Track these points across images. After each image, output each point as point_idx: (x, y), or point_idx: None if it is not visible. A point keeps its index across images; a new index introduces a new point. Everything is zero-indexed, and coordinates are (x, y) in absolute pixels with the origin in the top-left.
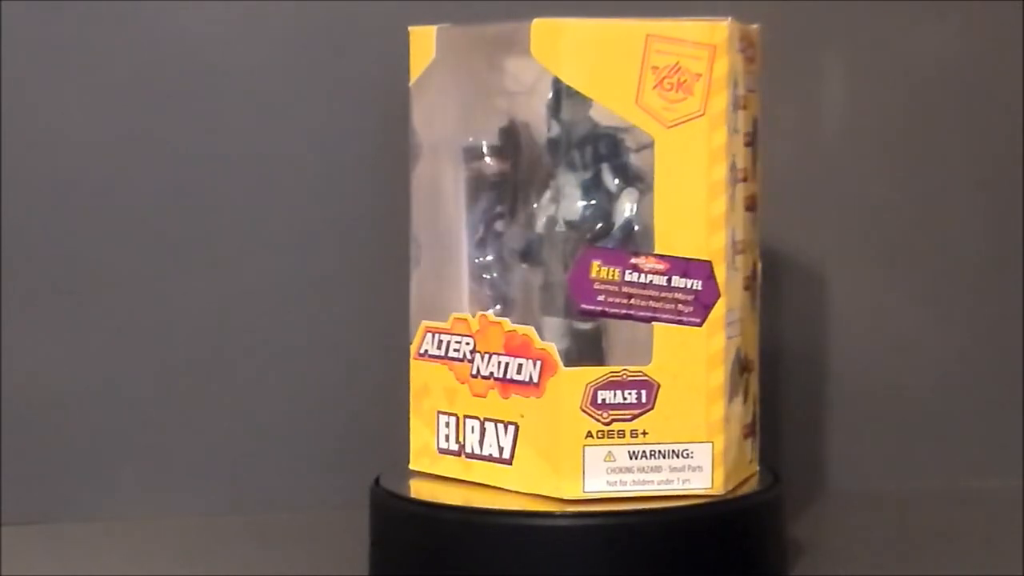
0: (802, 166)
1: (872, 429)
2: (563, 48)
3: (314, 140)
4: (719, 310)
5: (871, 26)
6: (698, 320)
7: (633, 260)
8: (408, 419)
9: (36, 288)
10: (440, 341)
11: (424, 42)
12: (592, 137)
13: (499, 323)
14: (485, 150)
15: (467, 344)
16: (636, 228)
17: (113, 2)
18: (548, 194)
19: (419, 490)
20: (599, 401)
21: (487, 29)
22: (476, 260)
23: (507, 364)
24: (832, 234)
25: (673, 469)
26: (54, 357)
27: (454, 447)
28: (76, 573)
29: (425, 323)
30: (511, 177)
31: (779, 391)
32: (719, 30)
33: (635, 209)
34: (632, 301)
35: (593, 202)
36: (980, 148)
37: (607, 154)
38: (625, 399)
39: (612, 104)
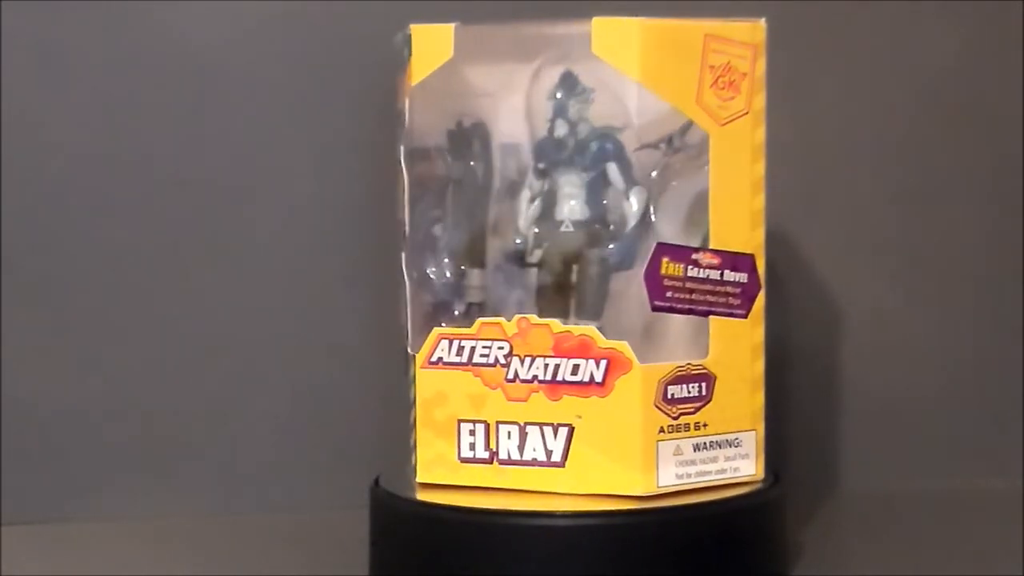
0: (802, 166)
1: (872, 429)
2: (632, 47)
3: (316, 141)
4: (760, 302)
5: (871, 26)
6: (744, 312)
7: (694, 255)
8: (407, 421)
9: (36, 287)
10: (461, 347)
11: (434, 41)
12: (595, 136)
13: (546, 325)
14: (432, 152)
15: (500, 348)
16: (653, 222)
17: (110, 3)
18: (526, 194)
19: (419, 491)
20: (669, 396)
21: (500, 29)
22: (418, 265)
23: (557, 366)
24: (836, 235)
25: (727, 458)
26: (54, 357)
27: (483, 455)
28: (76, 573)
29: (438, 330)
30: (470, 180)
31: (783, 392)
32: (759, 30)
33: (650, 207)
34: (693, 296)
35: (604, 202)
36: (982, 149)
37: (612, 153)
38: (690, 393)
39: (676, 102)
